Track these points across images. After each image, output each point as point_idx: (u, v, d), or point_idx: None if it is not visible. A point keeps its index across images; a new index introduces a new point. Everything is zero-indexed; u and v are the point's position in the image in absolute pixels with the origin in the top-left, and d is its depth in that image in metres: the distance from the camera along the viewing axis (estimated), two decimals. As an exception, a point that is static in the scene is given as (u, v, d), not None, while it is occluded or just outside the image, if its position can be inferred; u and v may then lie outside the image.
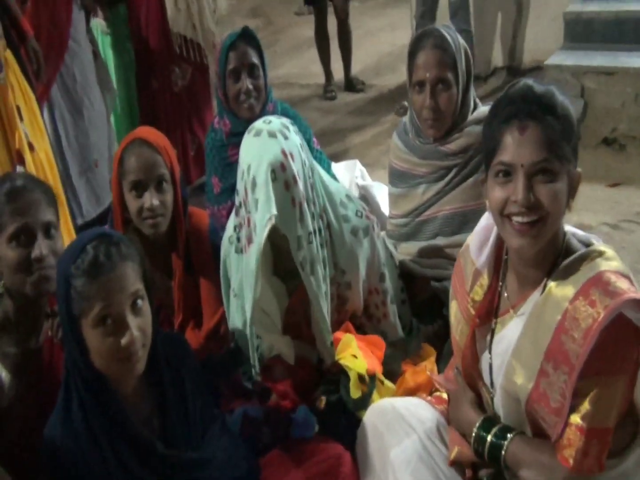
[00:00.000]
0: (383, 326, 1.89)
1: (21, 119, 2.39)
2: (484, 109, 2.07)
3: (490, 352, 1.34)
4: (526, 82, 1.21)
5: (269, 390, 1.66)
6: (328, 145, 4.13)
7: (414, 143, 2.14)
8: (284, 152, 1.58)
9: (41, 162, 2.48)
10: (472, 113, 2.07)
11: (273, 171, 1.56)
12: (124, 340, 1.26)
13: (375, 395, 1.63)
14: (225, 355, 1.79)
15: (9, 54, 2.42)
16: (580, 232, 1.29)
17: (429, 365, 1.77)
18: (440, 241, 2.10)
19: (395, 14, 6.29)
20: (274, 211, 1.54)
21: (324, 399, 1.63)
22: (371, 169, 3.41)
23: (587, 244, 1.24)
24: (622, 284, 1.14)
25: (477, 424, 1.33)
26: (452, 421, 1.44)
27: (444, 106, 1.99)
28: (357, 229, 1.77)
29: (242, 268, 1.70)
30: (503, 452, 1.27)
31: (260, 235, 1.56)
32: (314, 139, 2.43)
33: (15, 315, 1.50)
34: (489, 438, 1.29)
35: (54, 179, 2.56)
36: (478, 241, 1.38)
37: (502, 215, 1.20)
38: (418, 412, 1.51)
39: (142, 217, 1.77)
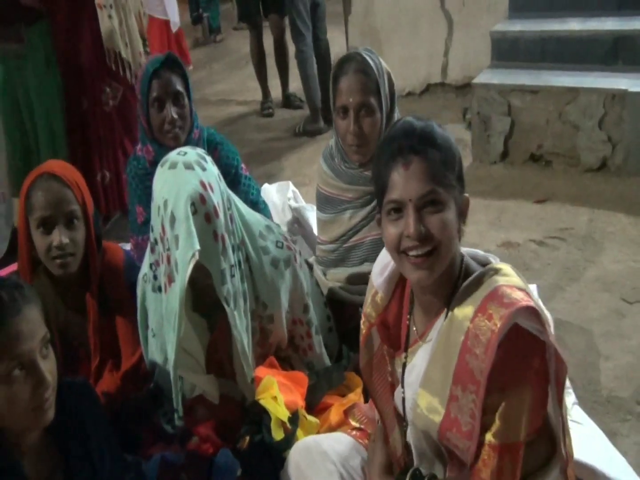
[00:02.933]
0: (309, 357, 1.86)
1: None
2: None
3: (402, 386, 1.33)
4: (406, 119, 1.24)
5: (189, 433, 1.60)
6: (264, 164, 4.12)
7: (340, 168, 2.12)
8: (202, 184, 1.52)
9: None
10: (396, 137, 2.06)
11: (193, 204, 1.50)
12: (41, 389, 1.19)
13: (299, 431, 1.59)
14: (145, 397, 1.72)
15: None
16: (479, 253, 1.30)
17: (354, 397, 1.74)
18: (368, 267, 2.07)
19: (333, 30, 6.33)
20: (197, 247, 1.48)
21: (247, 438, 1.58)
22: (308, 188, 3.39)
23: (485, 264, 1.25)
24: (517, 295, 1.15)
25: None
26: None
27: (368, 131, 1.98)
28: (277, 260, 1.74)
29: (162, 307, 1.63)
30: None
31: (183, 274, 1.50)
32: (242, 165, 2.38)
33: None
34: None
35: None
36: (381, 263, 1.39)
37: (398, 251, 1.22)
38: (342, 449, 1.49)
39: (50, 256, 1.68)
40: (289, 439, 1.56)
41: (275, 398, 1.59)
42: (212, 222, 1.53)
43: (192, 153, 1.59)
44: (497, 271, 1.21)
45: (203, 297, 1.66)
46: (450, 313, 1.21)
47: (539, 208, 3.11)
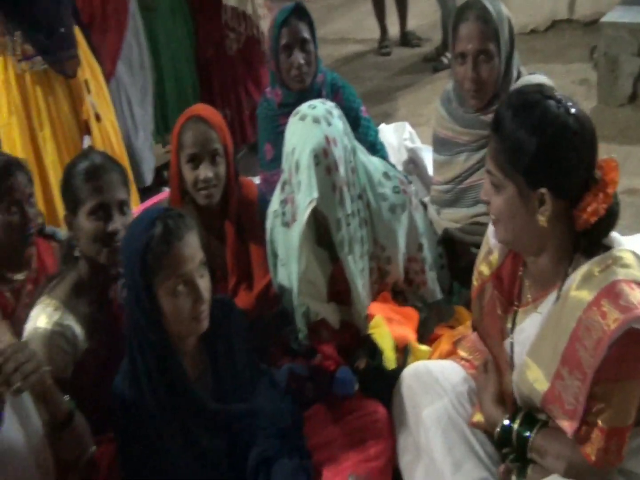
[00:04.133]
0: (423, 292, 1.99)
1: (89, 91, 2.56)
2: (527, 78, 2.09)
3: (512, 338, 1.42)
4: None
5: (313, 351, 1.80)
6: (381, 104, 4.15)
7: (457, 112, 2.19)
8: (327, 139, 1.68)
9: (107, 131, 2.66)
10: (515, 82, 2.09)
11: (316, 156, 1.67)
12: (198, 302, 1.43)
13: (411, 358, 1.74)
14: (275, 316, 1.94)
15: (77, 31, 2.59)
16: None
17: (463, 329, 1.86)
18: (481, 208, 2.16)
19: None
20: (315, 195, 1.66)
21: (364, 360, 1.76)
22: (424, 128, 3.43)
23: (606, 247, 1.26)
24: (634, 297, 1.16)
25: (500, 426, 1.40)
26: (478, 403, 1.52)
27: (485, 77, 2.03)
28: (394, 206, 1.87)
29: (288, 241, 1.83)
30: (529, 443, 1.35)
31: (302, 216, 1.69)
32: (362, 108, 2.49)
33: (89, 279, 1.69)
34: (514, 433, 1.37)
35: (119, 147, 2.74)
36: None
37: None
38: (451, 376, 1.60)
39: (197, 188, 1.91)
40: (401, 370, 1.69)
41: (384, 337, 1.73)
42: (332, 174, 1.69)
43: (321, 108, 1.74)
44: (617, 260, 1.21)
45: (325, 232, 1.84)
46: (564, 292, 1.25)
47: (666, 154, 2.99)
